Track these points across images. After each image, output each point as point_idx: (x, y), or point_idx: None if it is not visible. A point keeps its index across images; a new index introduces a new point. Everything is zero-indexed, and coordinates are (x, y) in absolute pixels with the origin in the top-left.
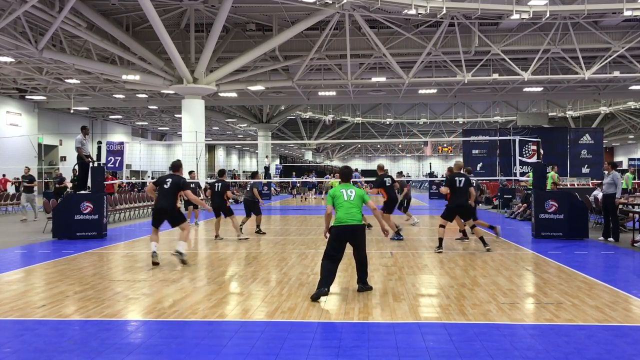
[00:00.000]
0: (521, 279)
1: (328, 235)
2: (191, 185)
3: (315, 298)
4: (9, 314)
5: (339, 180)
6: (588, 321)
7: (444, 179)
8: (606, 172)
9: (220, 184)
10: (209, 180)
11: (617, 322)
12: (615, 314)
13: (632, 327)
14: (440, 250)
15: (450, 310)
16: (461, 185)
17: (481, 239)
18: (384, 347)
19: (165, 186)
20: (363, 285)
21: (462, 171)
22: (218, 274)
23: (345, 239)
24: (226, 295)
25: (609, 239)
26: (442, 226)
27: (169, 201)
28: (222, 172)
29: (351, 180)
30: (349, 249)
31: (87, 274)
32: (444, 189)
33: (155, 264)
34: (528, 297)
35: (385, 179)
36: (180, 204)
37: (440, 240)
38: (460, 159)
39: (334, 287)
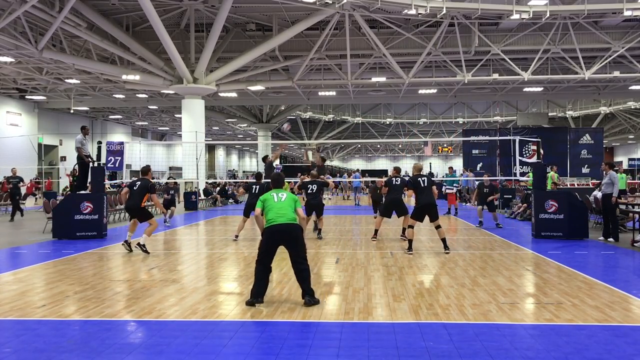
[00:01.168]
0: (521, 279)
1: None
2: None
3: (249, 304)
4: (9, 314)
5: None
6: (588, 321)
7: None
8: (604, 173)
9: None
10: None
11: (617, 322)
12: (615, 314)
13: (632, 327)
14: (411, 252)
15: (450, 310)
16: (425, 184)
17: (443, 240)
18: (384, 347)
19: (134, 188)
20: (310, 298)
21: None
22: (218, 274)
23: (278, 240)
24: (226, 295)
25: (609, 239)
26: (411, 227)
27: (135, 201)
28: (259, 176)
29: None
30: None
31: (87, 274)
32: (410, 192)
33: (127, 247)
34: (528, 297)
35: (309, 186)
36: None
37: (410, 241)
38: (461, 159)
39: (334, 287)
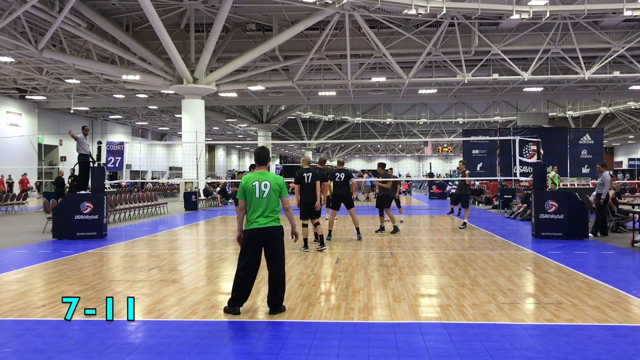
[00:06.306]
0: (521, 279)
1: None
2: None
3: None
4: (9, 314)
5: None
6: (588, 321)
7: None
8: (599, 173)
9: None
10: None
11: (617, 322)
12: (615, 314)
13: (632, 327)
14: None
15: (450, 310)
16: (309, 180)
17: (321, 237)
18: (384, 347)
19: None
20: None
21: (309, 166)
22: (218, 274)
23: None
24: (226, 295)
25: (597, 234)
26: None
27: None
28: (340, 163)
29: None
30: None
31: (87, 274)
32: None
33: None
34: (528, 297)
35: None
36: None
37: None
38: (460, 159)
39: (334, 287)
